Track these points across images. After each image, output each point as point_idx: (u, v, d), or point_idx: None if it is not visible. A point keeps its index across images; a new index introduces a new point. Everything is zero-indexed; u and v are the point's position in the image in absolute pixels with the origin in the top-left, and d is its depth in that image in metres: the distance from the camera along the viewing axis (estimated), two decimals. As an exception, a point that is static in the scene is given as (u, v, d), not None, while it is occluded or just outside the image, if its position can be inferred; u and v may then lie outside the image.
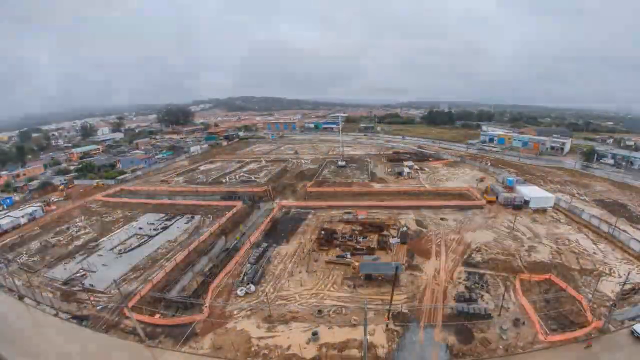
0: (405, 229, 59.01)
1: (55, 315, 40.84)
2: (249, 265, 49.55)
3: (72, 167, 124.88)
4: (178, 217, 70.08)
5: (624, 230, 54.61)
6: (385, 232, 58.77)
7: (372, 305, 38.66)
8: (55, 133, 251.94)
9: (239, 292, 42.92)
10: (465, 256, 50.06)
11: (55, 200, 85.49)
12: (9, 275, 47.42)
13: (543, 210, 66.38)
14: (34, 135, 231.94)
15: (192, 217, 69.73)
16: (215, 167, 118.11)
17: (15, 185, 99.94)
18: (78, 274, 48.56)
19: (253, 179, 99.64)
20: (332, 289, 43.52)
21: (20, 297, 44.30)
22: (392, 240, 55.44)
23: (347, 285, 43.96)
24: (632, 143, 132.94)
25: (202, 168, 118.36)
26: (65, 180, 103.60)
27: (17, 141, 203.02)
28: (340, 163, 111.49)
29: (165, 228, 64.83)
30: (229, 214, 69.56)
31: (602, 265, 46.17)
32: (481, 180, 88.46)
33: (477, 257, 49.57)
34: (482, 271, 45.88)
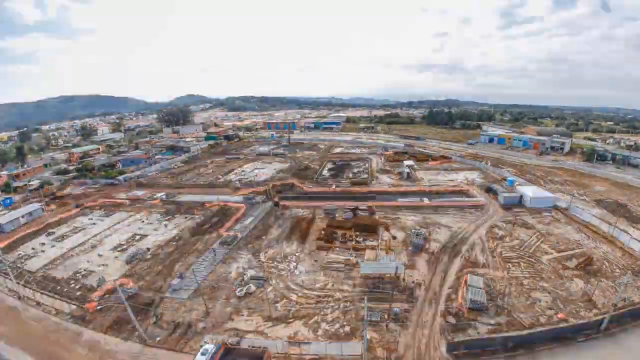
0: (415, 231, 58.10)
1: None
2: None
3: (71, 167, 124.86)
4: (177, 216, 70.12)
5: (624, 230, 54.56)
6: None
7: (371, 304, 38.57)
8: (55, 133, 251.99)
9: (237, 293, 42.84)
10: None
11: (56, 200, 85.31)
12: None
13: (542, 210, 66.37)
14: (34, 135, 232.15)
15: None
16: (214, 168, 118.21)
17: (15, 186, 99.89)
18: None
19: (254, 179, 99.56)
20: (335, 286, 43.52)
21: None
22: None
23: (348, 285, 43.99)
24: (632, 143, 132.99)
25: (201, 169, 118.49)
26: (61, 179, 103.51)
27: (17, 141, 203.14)
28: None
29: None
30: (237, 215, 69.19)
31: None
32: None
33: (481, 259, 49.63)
34: (482, 271, 45.91)
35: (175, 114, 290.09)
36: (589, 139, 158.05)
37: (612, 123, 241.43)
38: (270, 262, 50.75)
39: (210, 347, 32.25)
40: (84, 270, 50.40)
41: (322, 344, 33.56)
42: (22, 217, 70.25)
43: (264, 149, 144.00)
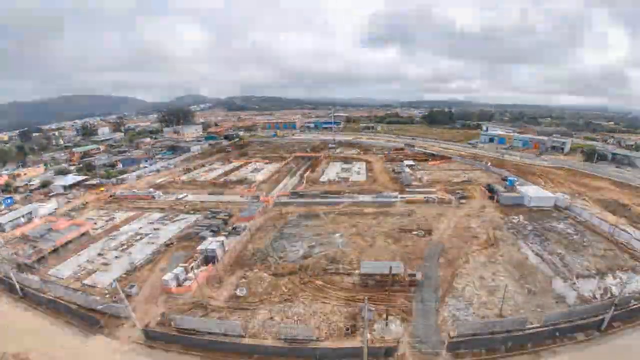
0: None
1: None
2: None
3: (72, 167, 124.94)
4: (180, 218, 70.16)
5: (625, 230, 54.52)
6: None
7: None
8: (56, 133, 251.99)
9: (238, 292, 42.86)
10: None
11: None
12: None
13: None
14: (34, 134, 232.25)
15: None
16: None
17: (15, 185, 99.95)
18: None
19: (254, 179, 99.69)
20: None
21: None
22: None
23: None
24: (632, 143, 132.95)
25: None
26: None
27: (17, 141, 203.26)
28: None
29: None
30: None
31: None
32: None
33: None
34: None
35: (176, 114, 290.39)
36: (589, 138, 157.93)
37: (612, 123, 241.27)
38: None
39: None
40: (85, 269, 50.49)
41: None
42: (23, 216, 70.35)
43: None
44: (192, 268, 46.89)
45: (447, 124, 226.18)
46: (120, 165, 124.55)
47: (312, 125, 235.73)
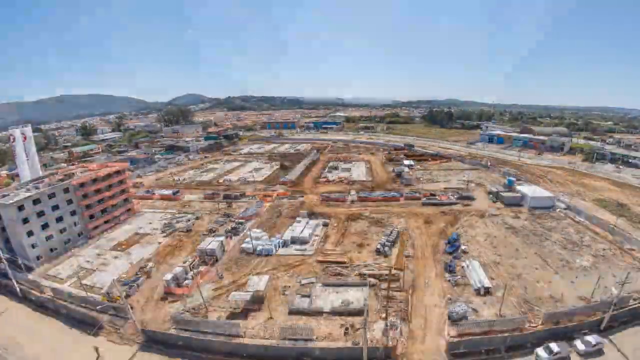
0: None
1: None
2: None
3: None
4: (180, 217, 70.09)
5: (624, 230, 54.48)
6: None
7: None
8: (55, 132, 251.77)
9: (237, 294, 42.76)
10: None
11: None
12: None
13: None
14: (34, 134, 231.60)
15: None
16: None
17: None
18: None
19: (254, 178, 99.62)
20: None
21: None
22: None
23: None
24: (631, 143, 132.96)
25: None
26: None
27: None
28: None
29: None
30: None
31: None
32: None
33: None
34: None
35: (175, 114, 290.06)
36: (589, 138, 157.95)
37: (611, 123, 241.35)
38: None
39: None
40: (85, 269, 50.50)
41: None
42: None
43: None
44: (191, 268, 46.89)
45: (446, 124, 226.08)
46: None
47: (311, 125, 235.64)
